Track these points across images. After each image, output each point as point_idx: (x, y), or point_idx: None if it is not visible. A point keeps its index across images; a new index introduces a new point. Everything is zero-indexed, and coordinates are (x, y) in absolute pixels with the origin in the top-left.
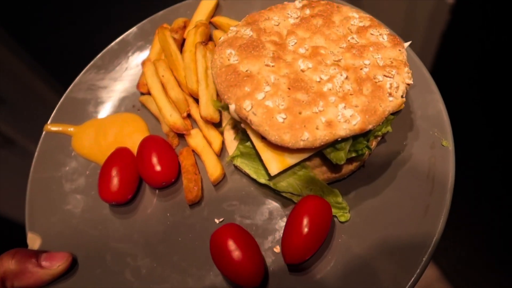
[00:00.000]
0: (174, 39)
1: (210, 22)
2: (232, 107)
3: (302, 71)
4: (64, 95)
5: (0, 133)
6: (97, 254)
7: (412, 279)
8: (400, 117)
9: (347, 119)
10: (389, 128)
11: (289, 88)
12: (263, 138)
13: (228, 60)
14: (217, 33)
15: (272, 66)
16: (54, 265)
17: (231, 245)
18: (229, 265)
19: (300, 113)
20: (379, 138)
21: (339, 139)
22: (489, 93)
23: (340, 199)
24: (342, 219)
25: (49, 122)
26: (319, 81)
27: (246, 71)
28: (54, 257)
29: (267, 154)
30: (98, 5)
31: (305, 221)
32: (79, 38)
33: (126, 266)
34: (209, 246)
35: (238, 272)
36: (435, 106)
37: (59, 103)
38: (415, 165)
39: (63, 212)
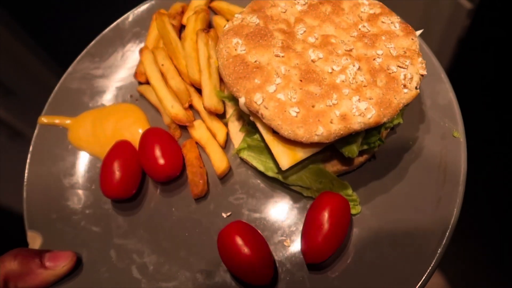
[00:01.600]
0: (173, 25)
1: (209, 7)
2: (241, 100)
3: (313, 61)
4: (58, 85)
5: (9, 125)
6: (101, 251)
7: (428, 271)
8: (410, 107)
9: (361, 112)
10: (400, 120)
11: (300, 80)
12: (273, 132)
13: (235, 50)
14: (217, 19)
15: (282, 56)
16: (59, 265)
17: (240, 244)
18: (239, 264)
19: (313, 106)
20: (389, 129)
21: (353, 133)
22: (506, 100)
23: (350, 191)
24: (353, 211)
25: (43, 114)
26: (331, 72)
27: (255, 61)
28: (58, 257)
29: (277, 148)
30: None
31: (326, 220)
32: (87, 31)
33: (133, 263)
34: (217, 244)
35: (248, 271)
36: (445, 95)
37: (53, 93)
38: (426, 156)
39: (63, 208)
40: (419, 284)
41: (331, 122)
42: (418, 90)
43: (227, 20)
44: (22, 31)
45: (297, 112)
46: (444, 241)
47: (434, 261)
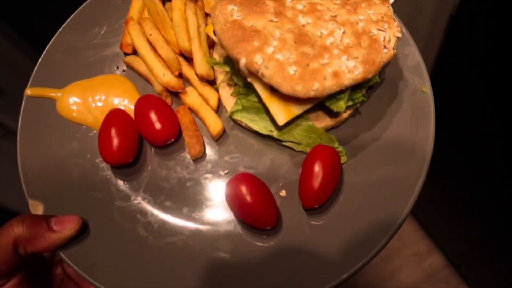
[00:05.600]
0: None
1: None
2: (242, 61)
3: (303, 26)
4: (41, 57)
5: (1, 124)
6: (105, 214)
7: (407, 205)
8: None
9: (350, 69)
10: (377, 79)
11: (295, 42)
12: (272, 91)
13: (231, 16)
14: None
15: (276, 21)
16: (65, 228)
17: (247, 191)
18: (247, 209)
19: (308, 65)
20: (368, 87)
21: (343, 88)
22: (492, 91)
23: (336, 144)
24: (341, 161)
25: (28, 86)
26: (320, 36)
27: (252, 26)
28: (64, 220)
29: (274, 106)
30: None
31: (321, 169)
32: None
33: (137, 222)
34: (225, 194)
35: (256, 215)
36: (413, 57)
37: (37, 66)
38: (400, 109)
39: (60, 177)
40: (403, 214)
41: (325, 79)
42: (396, 51)
43: None
44: (11, 30)
45: (295, 71)
46: (420, 179)
47: (412, 197)
